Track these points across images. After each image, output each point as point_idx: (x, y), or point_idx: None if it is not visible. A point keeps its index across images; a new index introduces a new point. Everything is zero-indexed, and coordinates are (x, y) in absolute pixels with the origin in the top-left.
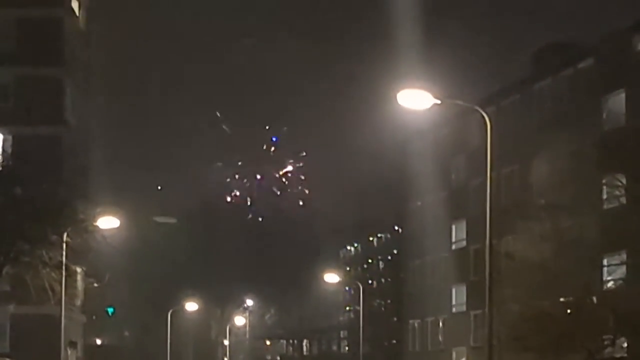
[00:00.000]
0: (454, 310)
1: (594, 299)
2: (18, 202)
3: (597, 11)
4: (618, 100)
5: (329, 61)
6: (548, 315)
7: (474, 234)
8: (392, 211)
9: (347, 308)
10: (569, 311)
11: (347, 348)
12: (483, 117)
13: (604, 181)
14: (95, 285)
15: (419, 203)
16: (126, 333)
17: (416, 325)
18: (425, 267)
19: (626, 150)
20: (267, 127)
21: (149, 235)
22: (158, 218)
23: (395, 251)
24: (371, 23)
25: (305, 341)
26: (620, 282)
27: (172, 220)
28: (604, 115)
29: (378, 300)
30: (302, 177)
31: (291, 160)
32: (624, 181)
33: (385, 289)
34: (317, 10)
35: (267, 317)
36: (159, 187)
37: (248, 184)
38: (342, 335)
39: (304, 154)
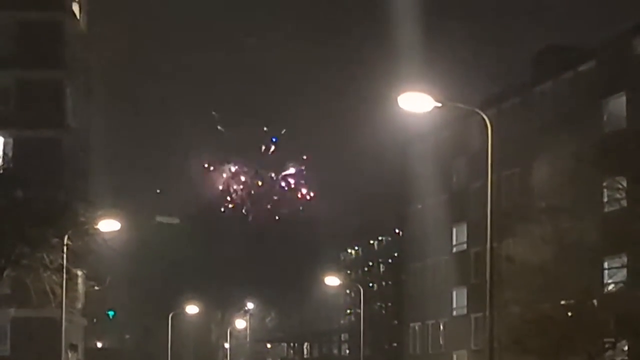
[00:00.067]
0: (454, 313)
1: (595, 301)
2: (19, 204)
3: (597, 14)
4: (618, 103)
5: (329, 62)
6: (549, 318)
7: (474, 236)
8: (392, 214)
9: (348, 311)
10: (569, 314)
11: (347, 351)
12: (484, 119)
13: (604, 184)
14: (96, 288)
15: (420, 206)
16: (127, 336)
17: (417, 328)
18: (426, 270)
19: (627, 152)
20: (265, 129)
21: (150, 238)
22: (161, 218)
23: (396, 254)
24: (372, 25)
25: (306, 344)
26: (621, 285)
27: (175, 221)
28: (605, 118)
29: (379, 303)
30: (303, 182)
31: (291, 163)
32: (625, 184)
33: (386, 292)
34: (317, 11)
35: (267, 320)
36: (158, 191)
37: (247, 187)
38: (342, 338)
39: (305, 157)
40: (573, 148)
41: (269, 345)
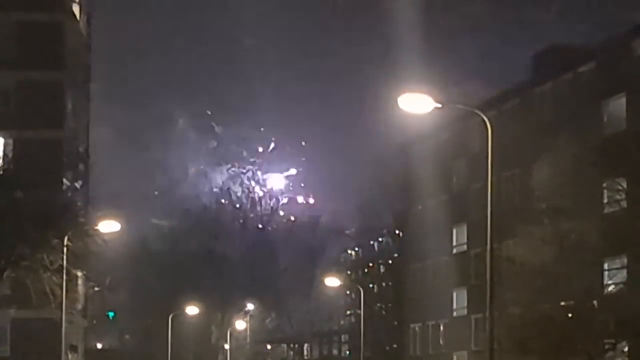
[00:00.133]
0: (454, 314)
1: (595, 302)
2: (19, 205)
3: (598, 15)
4: (618, 104)
5: (329, 63)
6: (549, 319)
7: (474, 237)
8: (392, 215)
9: (348, 312)
10: (569, 315)
11: (348, 352)
12: (484, 121)
13: (604, 185)
14: (96, 289)
15: (420, 207)
16: (127, 337)
17: (417, 329)
18: (426, 271)
19: (627, 154)
20: (261, 129)
21: (150, 239)
22: (156, 221)
23: (396, 255)
24: (372, 26)
25: (306, 345)
26: (621, 286)
27: (164, 223)
28: (605, 119)
29: (379, 304)
30: (302, 185)
31: (291, 165)
32: (625, 185)
33: (386, 292)
34: (317, 12)
35: (267, 321)
36: (156, 192)
37: (245, 189)
38: (343, 339)
39: (304, 159)
40: (573, 149)
41: (269, 346)
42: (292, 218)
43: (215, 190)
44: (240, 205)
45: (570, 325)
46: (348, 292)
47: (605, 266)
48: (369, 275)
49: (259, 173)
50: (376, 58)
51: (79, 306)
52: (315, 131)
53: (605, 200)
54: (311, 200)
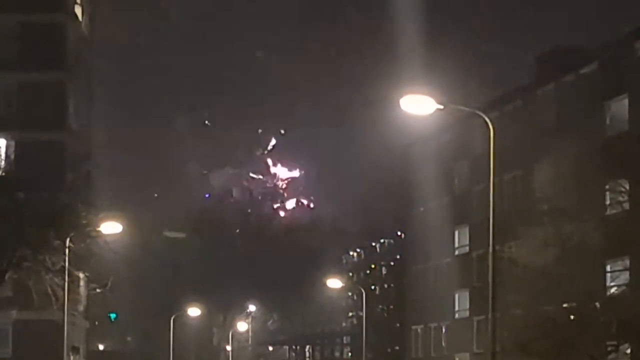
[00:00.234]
0: (456, 316)
1: (597, 304)
2: (21, 207)
3: (600, 16)
4: (621, 106)
5: (330, 65)
6: (551, 321)
7: (476, 239)
8: (394, 216)
9: (350, 314)
10: (572, 317)
11: (350, 354)
12: (486, 122)
13: (607, 187)
14: (98, 290)
15: (422, 208)
16: (129, 338)
17: (419, 331)
18: (428, 272)
19: (629, 155)
20: (259, 131)
21: (152, 240)
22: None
23: (398, 257)
24: (373, 28)
25: (308, 347)
26: (624, 287)
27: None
28: (607, 121)
29: (381, 306)
30: (302, 188)
31: (288, 168)
32: (627, 187)
33: (388, 294)
34: (318, 13)
35: (269, 322)
36: (156, 195)
37: (245, 191)
38: (344, 341)
39: (303, 162)
40: (575, 151)
41: (270, 348)
42: (294, 219)
43: (215, 191)
44: (241, 207)
45: (573, 327)
46: (350, 294)
47: (608, 268)
48: (371, 277)
49: (256, 174)
50: (378, 59)
51: (81, 307)
52: (317, 133)
53: (608, 202)
54: (312, 202)
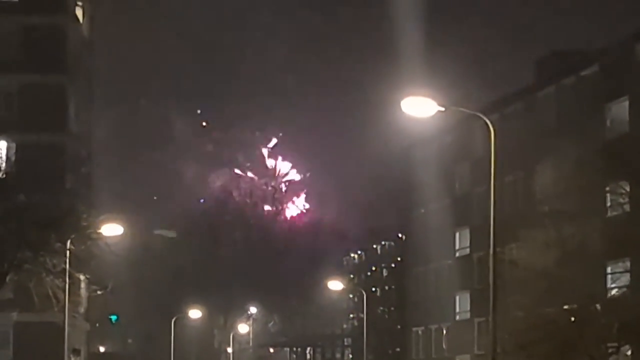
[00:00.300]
0: (457, 317)
1: (598, 306)
2: (21, 209)
3: (600, 19)
4: (621, 108)
5: (332, 66)
6: (552, 323)
7: (477, 241)
8: (395, 218)
9: (351, 315)
10: (573, 319)
11: (350, 356)
12: (487, 124)
13: (607, 188)
14: (99, 292)
15: (423, 210)
16: (129, 340)
17: (420, 332)
18: (428, 274)
19: (630, 157)
20: (257, 133)
21: (153, 242)
22: (159, 231)
23: (398, 259)
24: (374, 29)
25: (308, 349)
26: (625, 289)
27: (172, 234)
28: (608, 123)
29: (382, 308)
30: (302, 190)
31: (288, 170)
32: (628, 188)
33: (389, 296)
34: (318, 14)
35: (270, 324)
36: (155, 197)
37: (246, 192)
38: (345, 343)
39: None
40: (576, 153)
41: (271, 350)
42: (295, 221)
43: (215, 193)
44: (241, 208)
45: (573, 328)
46: (351, 296)
47: (609, 270)
48: (372, 278)
49: (259, 176)
50: (379, 61)
51: (82, 310)
52: (318, 134)
53: (609, 204)
54: (313, 204)
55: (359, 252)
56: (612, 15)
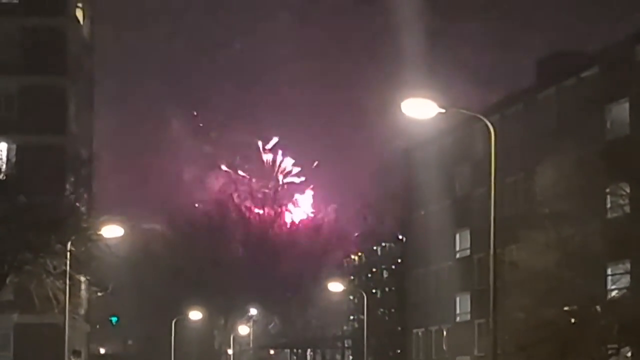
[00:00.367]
0: (458, 319)
1: (598, 308)
2: (22, 210)
3: (600, 20)
4: (622, 109)
5: (332, 67)
6: (552, 324)
7: (478, 243)
8: (396, 220)
9: (351, 317)
10: (573, 320)
11: (351, 357)
12: (487, 125)
13: (608, 190)
14: (99, 294)
15: (423, 212)
16: (130, 342)
17: (420, 334)
18: (429, 276)
19: (630, 158)
20: (255, 135)
21: (153, 244)
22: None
23: (399, 260)
24: (375, 30)
25: (309, 350)
26: (625, 291)
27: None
28: (608, 124)
29: (382, 309)
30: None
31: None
32: (628, 190)
33: (389, 298)
34: (319, 16)
35: (270, 326)
36: (154, 198)
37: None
38: (346, 345)
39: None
40: (576, 154)
41: (272, 352)
42: (295, 223)
43: (214, 195)
44: (241, 210)
45: (574, 330)
46: (351, 297)
47: (609, 271)
48: (372, 280)
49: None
50: (379, 62)
51: (82, 311)
52: (317, 136)
53: (609, 205)
54: (313, 205)
55: (359, 253)
56: (613, 17)
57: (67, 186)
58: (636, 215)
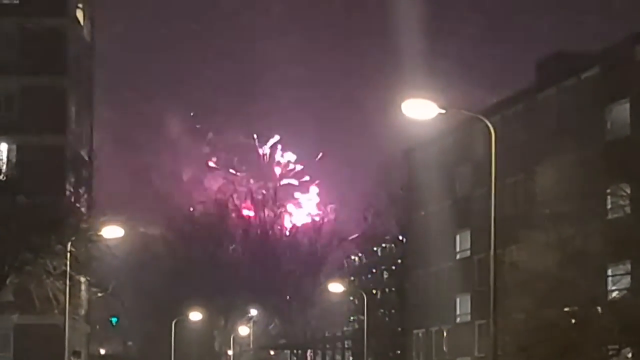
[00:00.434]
0: (458, 320)
1: (599, 309)
2: (22, 211)
3: (601, 20)
4: (622, 110)
5: (332, 69)
6: (553, 325)
7: (478, 243)
8: (396, 221)
9: (351, 318)
10: (573, 321)
11: (351, 358)
12: (487, 126)
13: (608, 191)
14: (99, 294)
15: (423, 213)
16: (130, 343)
17: (420, 335)
18: (429, 277)
19: (630, 159)
20: (254, 135)
21: (153, 244)
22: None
23: (399, 261)
24: (375, 31)
25: (309, 351)
26: (625, 292)
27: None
28: (608, 125)
29: (382, 310)
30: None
31: (288, 171)
32: (629, 191)
33: (390, 298)
34: (319, 17)
35: (271, 327)
36: (155, 199)
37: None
38: (346, 345)
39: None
40: (577, 155)
41: (272, 352)
42: (295, 224)
43: (213, 196)
44: (242, 211)
45: (574, 331)
46: (351, 298)
47: (609, 272)
48: (373, 281)
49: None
50: (380, 63)
51: (82, 312)
52: (319, 137)
53: (609, 206)
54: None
55: (360, 254)
56: (613, 17)
57: (67, 186)
58: (637, 216)
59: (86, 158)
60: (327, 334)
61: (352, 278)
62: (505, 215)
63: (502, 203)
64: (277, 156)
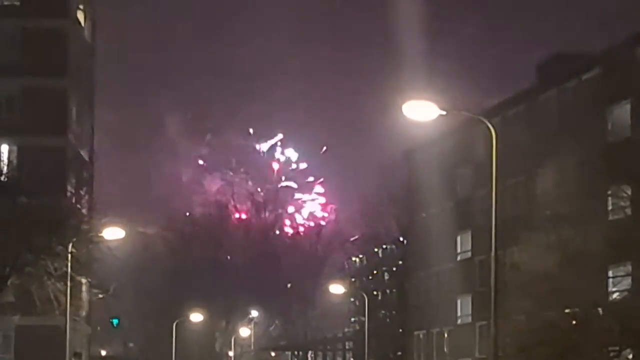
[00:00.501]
0: (459, 321)
1: (600, 310)
2: (23, 212)
3: (602, 21)
4: (623, 111)
5: (333, 70)
6: (554, 327)
7: (479, 245)
8: (397, 222)
9: (352, 319)
10: (574, 322)
11: (352, 359)
12: (488, 127)
13: (609, 192)
14: (100, 296)
15: (424, 214)
16: (131, 344)
17: (421, 336)
18: (430, 278)
19: (631, 160)
20: (251, 131)
21: (154, 246)
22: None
23: (400, 262)
24: (376, 33)
25: (310, 352)
26: (626, 293)
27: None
28: (609, 126)
29: (383, 312)
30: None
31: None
32: (629, 192)
33: (391, 300)
34: (320, 17)
35: (272, 328)
36: (154, 200)
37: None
38: (347, 347)
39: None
40: (577, 156)
41: (273, 354)
42: (295, 225)
43: (213, 197)
44: (242, 212)
45: (575, 332)
46: (352, 299)
47: (610, 273)
48: (373, 282)
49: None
50: (380, 65)
51: (83, 313)
52: (319, 138)
53: (610, 207)
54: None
55: (361, 255)
56: (614, 18)
57: (68, 187)
58: (637, 217)
59: (87, 159)
60: (328, 335)
61: (353, 279)
62: (506, 217)
63: (502, 204)
64: (277, 156)
